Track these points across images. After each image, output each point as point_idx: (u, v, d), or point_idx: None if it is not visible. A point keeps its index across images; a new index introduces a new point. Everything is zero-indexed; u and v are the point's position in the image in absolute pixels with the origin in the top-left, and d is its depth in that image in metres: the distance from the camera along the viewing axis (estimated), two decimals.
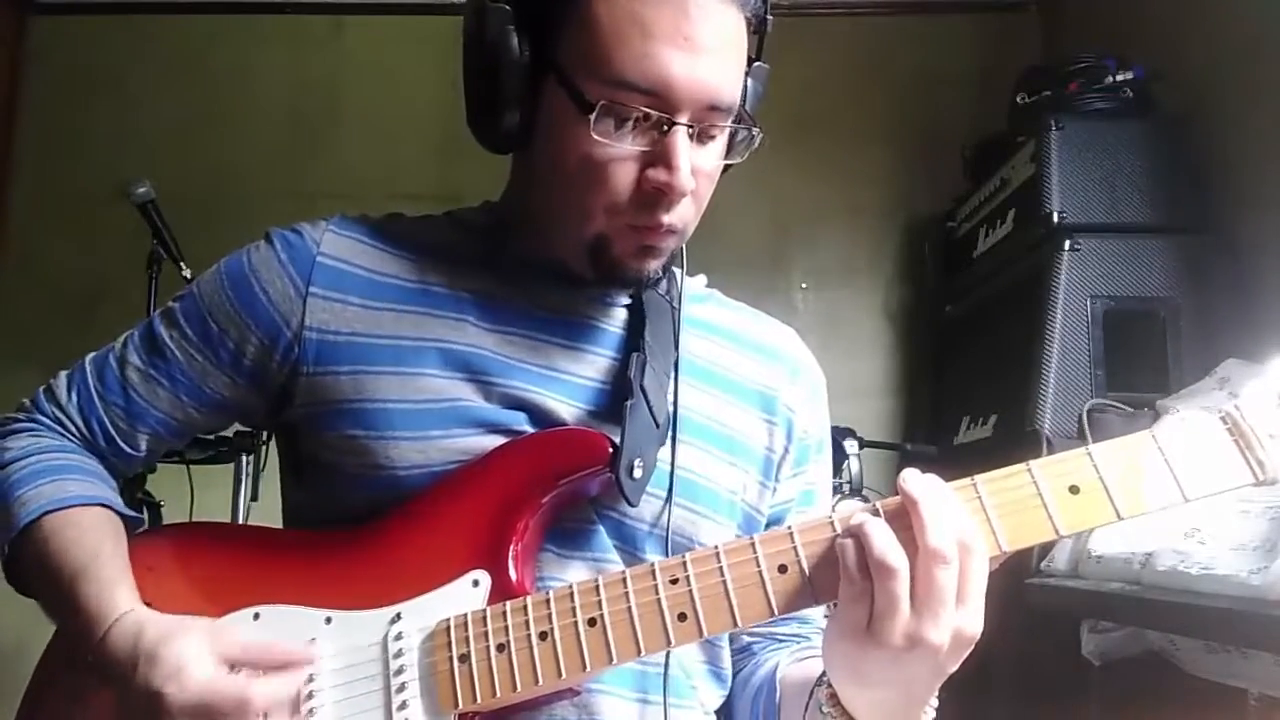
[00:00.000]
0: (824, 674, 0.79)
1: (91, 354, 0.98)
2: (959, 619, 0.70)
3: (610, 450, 0.84)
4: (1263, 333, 1.91)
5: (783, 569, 0.75)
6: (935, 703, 0.78)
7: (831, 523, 0.76)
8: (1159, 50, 2.41)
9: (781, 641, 1.00)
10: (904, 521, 0.72)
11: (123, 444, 0.95)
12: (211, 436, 2.35)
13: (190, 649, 0.77)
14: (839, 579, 0.73)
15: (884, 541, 0.71)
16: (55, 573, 0.85)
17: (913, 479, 0.72)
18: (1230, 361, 1.76)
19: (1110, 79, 2.29)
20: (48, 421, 0.95)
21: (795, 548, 0.75)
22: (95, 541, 0.87)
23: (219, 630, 0.80)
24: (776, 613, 0.75)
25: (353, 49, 3.36)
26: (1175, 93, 2.34)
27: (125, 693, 0.78)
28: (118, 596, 0.83)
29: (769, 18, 0.88)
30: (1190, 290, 2.07)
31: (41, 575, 0.87)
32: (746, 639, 1.00)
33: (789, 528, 0.76)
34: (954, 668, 0.73)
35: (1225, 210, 2.15)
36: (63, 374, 0.97)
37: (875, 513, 0.74)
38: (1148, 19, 2.57)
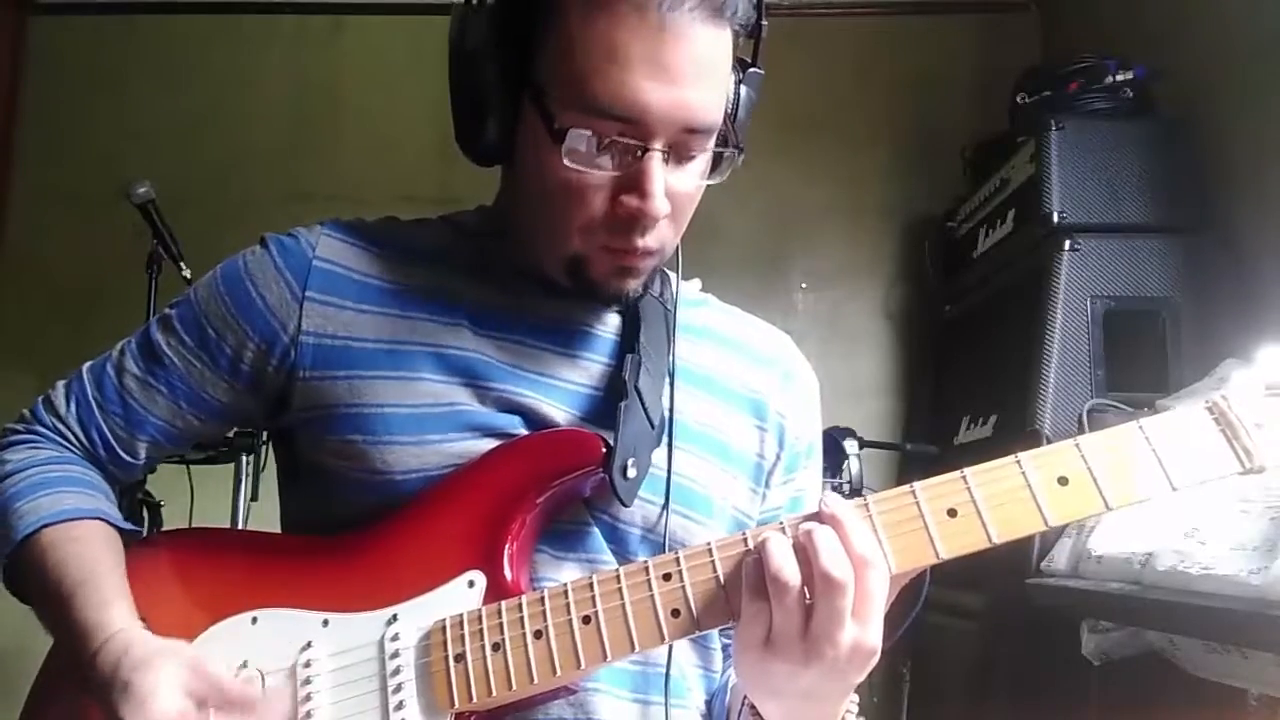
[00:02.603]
0: None
1: (88, 363, 0.97)
2: (856, 634, 0.71)
3: (604, 450, 0.84)
4: (1263, 333, 1.90)
5: None
6: (854, 708, 0.80)
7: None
8: (1159, 50, 2.40)
9: None
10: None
11: (122, 452, 0.95)
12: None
13: (162, 681, 0.76)
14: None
15: (779, 558, 0.72)
16: (51, 588, 0.85)
17: (826, 502, 0.74)
18: (1230, 362, 1.76)
19: (1110, 79, 2.29)
20: (47, 432, 0.95)
21: None
22: (91, 557, 0.86)
23: (198, 663, 0.79)
24: None
25: (353, 49, 3.35)
26: (1175, 93, 2.33)
27: (104, 712, 0.78)
28: (110, 615, 0.82)
29: (764, 22, 0.86)
30: (1190, 290, 2.06)
31: (38, 590, 0.87)
32: (725, 640, 1.00)
33: (781, 523, 0.76)
34: (858, 679, 0.75)
35: (1225, 210, 2.15)
36: (60, 384, 0.97)
37: (783, 530, 0.75)
38: (1148, 19, 2.57)
